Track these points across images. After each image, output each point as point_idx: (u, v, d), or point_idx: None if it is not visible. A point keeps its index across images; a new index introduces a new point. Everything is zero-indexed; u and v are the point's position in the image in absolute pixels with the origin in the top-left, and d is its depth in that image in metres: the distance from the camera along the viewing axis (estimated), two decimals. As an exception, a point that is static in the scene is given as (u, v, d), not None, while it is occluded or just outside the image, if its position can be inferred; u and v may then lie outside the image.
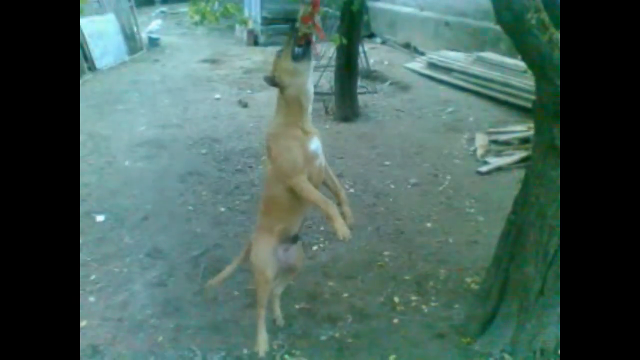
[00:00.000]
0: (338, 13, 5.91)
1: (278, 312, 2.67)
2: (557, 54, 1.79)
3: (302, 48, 2.04)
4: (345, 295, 2.88)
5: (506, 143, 5.02)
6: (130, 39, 10.19)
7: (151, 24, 11.99)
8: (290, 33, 2.08)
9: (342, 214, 2.20)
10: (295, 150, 2.11)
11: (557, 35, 1.79)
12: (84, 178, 4.47)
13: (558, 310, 2.20)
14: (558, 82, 1.82)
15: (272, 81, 2.12)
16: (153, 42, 10.98)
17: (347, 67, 5.98)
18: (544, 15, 1.79)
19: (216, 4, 3.42)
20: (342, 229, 2.05)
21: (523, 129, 5.12)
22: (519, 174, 4.25)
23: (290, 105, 2.11)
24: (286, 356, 2.44)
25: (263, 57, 9.80)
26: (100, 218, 3.81)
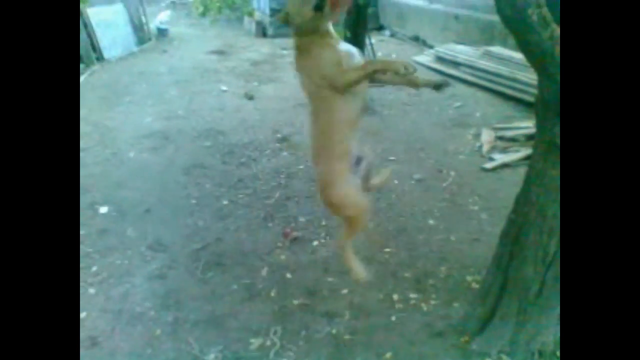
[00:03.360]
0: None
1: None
2: (558, 50, 1.76)
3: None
4: (345, 291, 2.87)
5: (512, 139, 4.96)
6: (139, 29, 10.19)
7: (161, 14, 11.98)
8: None
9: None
10: (330, 51, 2.05)
11: (558, 31, 1.75)
12: (88, 169, 4.50)
13: (557, 311, 2.18)
14: (559, 79, 1.78)
15: (285, 20, 2.10)
16: (162, 33, 10.99)
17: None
18: (546, 11, 1.75)
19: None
20: (397, 66, 1.99)
21: (530, 125, 5.04)
22: (525, 171, 4.20)
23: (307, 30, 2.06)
24: (281, 352, 2.44)
25: (271, 49, 9.76)
26: (103, 210, 3.83)
